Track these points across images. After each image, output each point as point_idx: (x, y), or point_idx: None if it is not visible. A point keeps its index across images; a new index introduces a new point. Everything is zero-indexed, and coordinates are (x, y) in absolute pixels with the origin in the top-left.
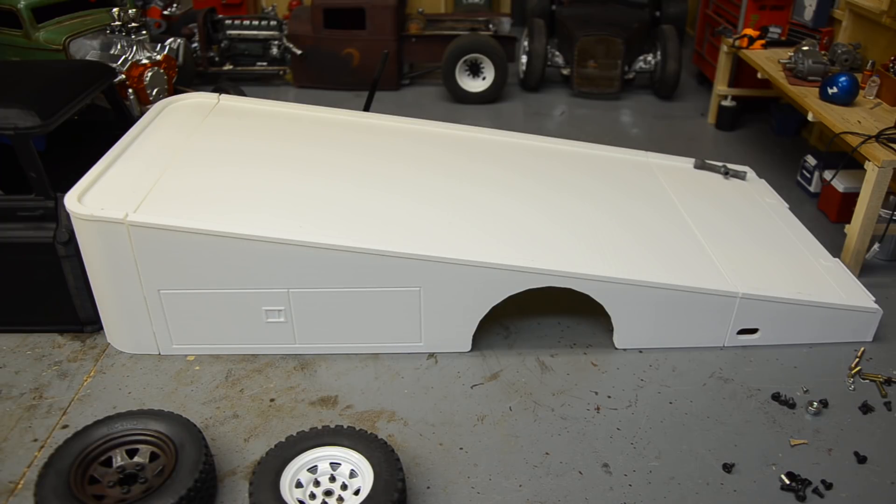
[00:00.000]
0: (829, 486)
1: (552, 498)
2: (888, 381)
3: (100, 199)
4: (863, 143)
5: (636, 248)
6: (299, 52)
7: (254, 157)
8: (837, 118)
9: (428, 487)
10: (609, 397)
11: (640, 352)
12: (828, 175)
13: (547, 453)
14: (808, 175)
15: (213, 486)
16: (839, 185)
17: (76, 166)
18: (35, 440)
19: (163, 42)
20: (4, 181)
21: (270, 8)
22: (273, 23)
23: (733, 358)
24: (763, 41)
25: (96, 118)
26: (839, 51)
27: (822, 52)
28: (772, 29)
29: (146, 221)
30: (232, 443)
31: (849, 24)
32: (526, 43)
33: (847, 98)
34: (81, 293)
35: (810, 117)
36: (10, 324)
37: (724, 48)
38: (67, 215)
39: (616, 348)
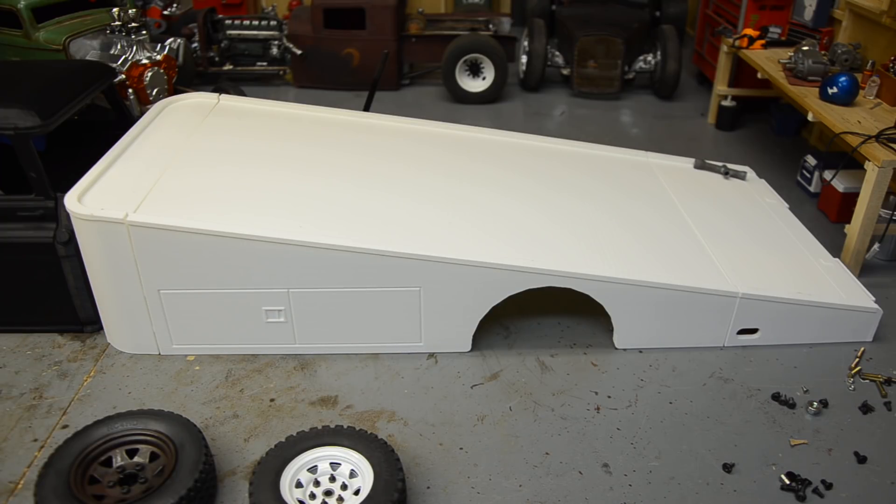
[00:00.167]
0: (829, 486)
1: (552, 498)
2: (888, 381)
3: (100, 199)
4: (863, 143)
5: (636, 248)
6: (299, 52)
7: (254, 157)
8: (837, 118)
9: (428, 487)
10: (609, 397)
11: (640, 352)
12: (828, 175)
13: (547, 453)
14: (808, 175)
15: (213, 486)
16: (839, 185)
17: (76, 166)
18: (35, 440)
19: (163, 42)
20: (4, 181)
21: (270, 8)
22: (273, 23)
23: (733, 358)
24: (763, 41)
25: (96, 118)
26: (839, 51)
27: (822, 52)
28: (772, 29)
29: (146, 221)
30: (232, 443)
31: (849, 24)
32: (526, 43)
33: (847, 98)
34: (81, 293)
35: (810, 117)
36: (10, 324)
37: (724, 48)
38: (67, 215)
39: (616, 348)
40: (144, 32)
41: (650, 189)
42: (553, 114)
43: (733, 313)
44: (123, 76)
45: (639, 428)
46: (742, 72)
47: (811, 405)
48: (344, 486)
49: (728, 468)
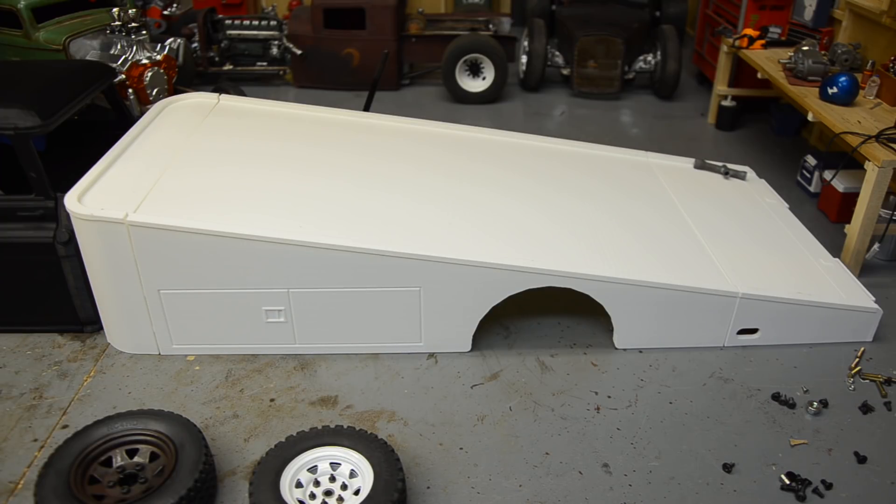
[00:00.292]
0: (829, 486)
1: (552, 498)
2: (888, 381)
3: (100, 199)
4: (863, 143)
5: (636, 248)
6: (299, 52)
7: (254, 157)
8: (837, 118)
9: (428, 487)
10: (609, 397)
11: (640, 352)
12: (828, 175)
13: (547, 453)
14: (808, 175)
15: (213, 486)
16: (839, 185)
17: (76, 166)
18: (35, 440)
19: (163, 42)
20: (4, 181)
21: (270, 8)
22: (273, 23)
23: (733, 358)
24: (763, 41)
25: (96, 118)
26: (839, 51)
27: (822, 52)
28: (772, 29)
29: (146, 221)
30: (232, 443)
31: (849, 24)
32: (526, 43)
33: (847, 98)
34: (81, 293)
35: (810, 117)
36: (10, 324)
37: (724, 48)
38: (67, 215)
39: (616, 348)
40: (144, 32)
41: (650, 189)
42: (553, 114)
43: (733, 313)
44: (123, 76)
45: (639, 428)
46: (742, 72)
47: (811, 405)
48: (344, 486)
49: (728, 468)
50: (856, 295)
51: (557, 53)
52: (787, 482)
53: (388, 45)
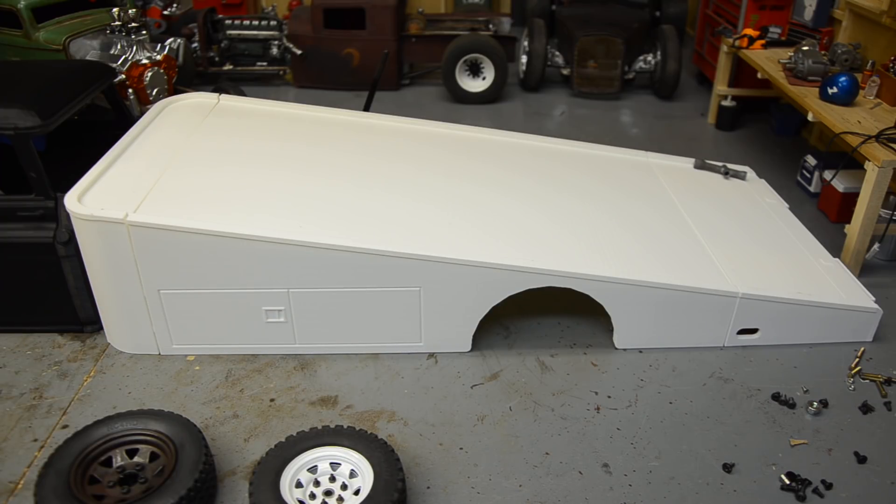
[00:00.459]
0: (829, 486)
1: (552, 498)
2: (888, 381)
3: (100, 199)
4: (863, 143)
5: (636, 248)
6: (299, 52)
7: (254, 157)
8: (837, 118)
9: (428, 487)
10: (609, 397)
11: (640, 352)
12: (828, 175)
13: (547, 453)
14: (808, 175)
15: (213, 486)
16: (839, 185)
17: (76, 166)
18: (35, 440)
19: (163, 42)
20: (4, 181)
21: (270, 8)
22: (273, 23)
23: (733, 358)
24: (763, 41)
25: (96, 118)
26: (839, 51)
27: (822, 52)
28: (772, 29)
29: (146, 221)
30: (232, 443)
31: (849, 24)
32: (526, 43)
33: (847, 98)
34: (81, 293)
35: (810, 117)
36: (10, 324)
37: (724, 48)
38: (67, 215)
39: (616, 348)
40: (144, 32)
41: (650, 189)
42: (553, 114)
43: (733, 313)
44: (123, 76)
45: (639, 428)
46: (742, 72)
47: (811, 405)
48: (344, 486)
49: (728, 468)
50: (856, 295)
51: (557, 53)
52: (787, 482)
53: (388, 45)
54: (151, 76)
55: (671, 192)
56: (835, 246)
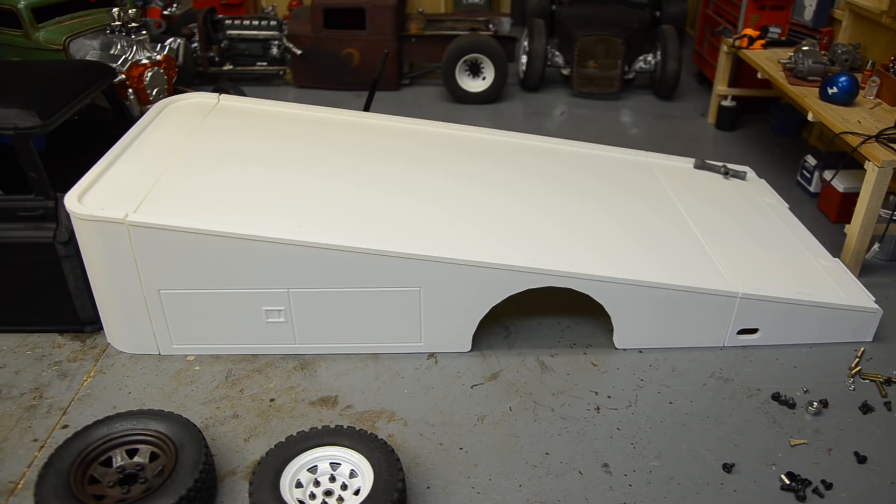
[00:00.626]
0: (829, 486)
1: (552, 498)
2: (888, 381)
3: (100, 199)
4: (863, 143)
5: (636, 248)
6: (299, 52)
7: (254, 157)
8: (837, 118)
9: (428, 487)
10: (609, 397)
11: (640, 352)
12: (828, 175)
13: (547, 453)
14: (808, 175)
15: (213, 486)
16: (839, 185)
17: (76, 166)
18: (35, 440)
19: (163, 42)
20: (4, 181)
21: (270, 8)
22: (273, 23)
23: (733, 358)
24: (763, 41)
25: (96, 118)
26: (839, 51)
27: (822, 52)
28: (772, 29)
29: (146, 221)
30: (232, 443)
31: (849, 24)
32: (526, 43)
33: (847, 98)
34: (81, 293)
35: (810, 117)
36: (10, 324)
37: (724, 48)
38: (67, 215)
39: (616, 348)
40: (144, 32)
41: (650, 189)
42: (553, 114)
43: (733, 313)
44: (123, 76)
45: (639, 428)
46: (742, 72)
47: (811, 405)
48: (344, 486)
49: (728, 468)
50: (856, 295)
51: (557, 53)
52: (787, 482)
53: (388, 45)
54: (151, 76)
55: (671, 192)
56: (835, 246)
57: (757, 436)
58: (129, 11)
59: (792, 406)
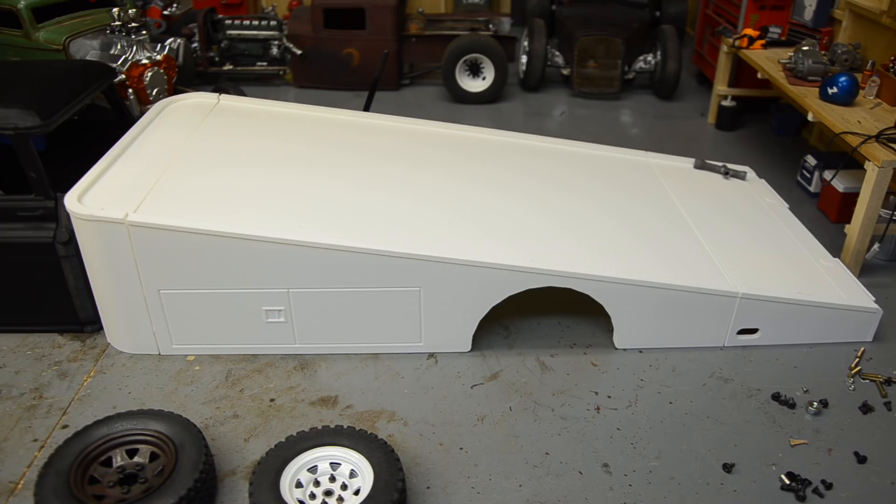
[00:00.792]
0: (829, 486)
1: (552, 498)
2: (888, 381)
3: (100, 199)
4: (863, 143)
5: (636, 248)
6: (299, 52)
7: (254, 157)
8: (837, 118)
9: (428, 487)
10: (609, 397)
11: (640, 352)
12: (828, 175)
13: (547, 453)
14: (808, 175)
15: (213, 486)
16: (839, 185)
17: (76, 166)
18: (35, 440)
19: (163, 42)
20: (4, 181)
21: (270, 8)
22: (273, 23)
23: (733, 358)
24: (763, 41)
25: (96, 118)
26: (839, 51)
27: (822, 52)
28: (772, 29)
29: (146, 221)
30: (232, 443)
31: (849, 24)
32: (526, 43)
33: (847, 98)
34: (81, 293)
35: (810, 117)
36: (10, 324)
37: (724, 48)
38: (67, 215)
39: (616, 348)
40: (144, 32)
41: (650, 189)
42: (553, 114)
43: (733, 313)
44: (123, 76)
45: (639, 428)
46: (742, 72)
47: (811, 405)
48: (344, 486)
49: (728, 468)
50: (856, 295)
51: (557, 53)
52: (787, 482)
53: (388, 45)
54: (151, 76)
55: (671, 192)
56: (835, 246)
57: (757, 436)
58: (129, 11)
59: (792, 406)
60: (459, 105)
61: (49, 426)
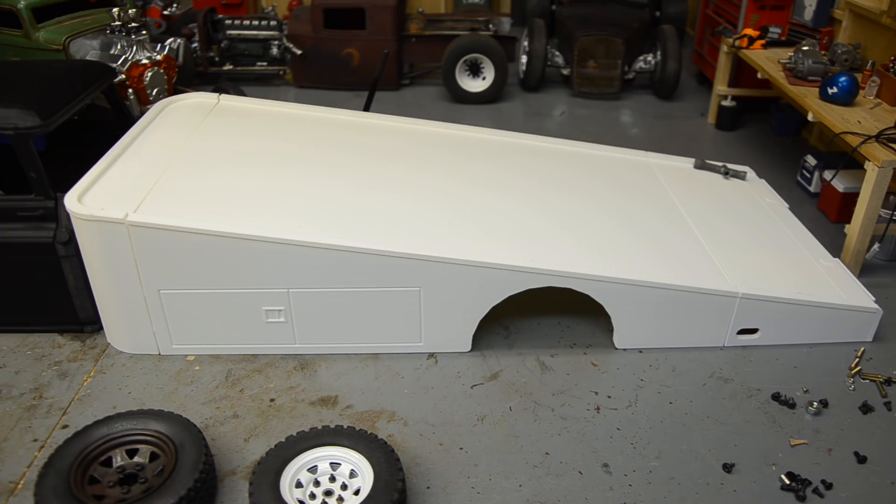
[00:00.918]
0: (829, 486)
1: (552, 498)
2: (888, 381)
3: (100, 199)
4: (863, 143)
5: (636, 248)
6: (299, 52)
7: (254, 157)
8: (837, 118)
9: (428, 487)
10: (609, 397)
11: (640, 352)
12: (828, 175)
13: (547, 453)
14: (808, 175)
15: (213, 486)
16: (839, 185)
17: (76, 166)
18: (35, 440)
19: (163, 42)
20: (4, 181)
21: (270, 8)
22: (273, 23)
23: (733, 358)
24: (763, 41)
25: (96, 118)
26: (839, 51)
27: (822, 52)
28: (772, 29)
29: (146, 221)
30: (232, 443)
31: (849, 24)
32: (526, 43)
33: (847, 98)
34: (81, 293)
35: (810, 117)
36: (10, 324)
37: (724, 48)
38: (67, 215)
39: (616, 348)
40: (144, 32)
41: (650, 189)
42: (553, 114)
43: (733, 313)
44: (123, 76)
45: (639, 428)
46: (742, 72)
47: (811, 405)
48: (344, 486)
49: (728, 468)
50: (856, 295)
51: (557, 53)
52: (787, 482)
53: (388, 45)
54: (151, 76)
55: (671, 192)
56: (835, 246)
57: (757, 436)
58: (129, 11)
59: (792, 406)
60: (459, 105)
61: (49, 426)
